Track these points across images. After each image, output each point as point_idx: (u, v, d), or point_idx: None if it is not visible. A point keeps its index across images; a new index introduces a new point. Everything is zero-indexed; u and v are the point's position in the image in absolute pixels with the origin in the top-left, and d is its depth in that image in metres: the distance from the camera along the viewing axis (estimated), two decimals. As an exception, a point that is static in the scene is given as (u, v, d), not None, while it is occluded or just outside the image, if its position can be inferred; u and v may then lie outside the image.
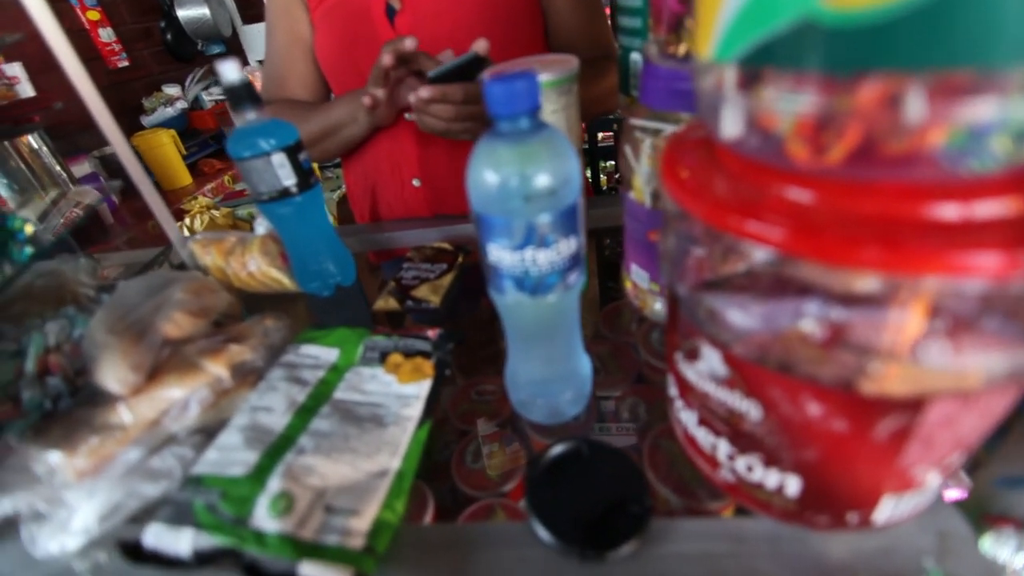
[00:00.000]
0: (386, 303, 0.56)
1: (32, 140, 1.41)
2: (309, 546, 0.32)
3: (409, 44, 0.62)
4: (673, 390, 0.35)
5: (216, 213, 1.78)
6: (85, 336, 0.49)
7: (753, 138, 0.22)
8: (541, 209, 0.32)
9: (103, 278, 0.70)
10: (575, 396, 0.41)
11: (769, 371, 0.25)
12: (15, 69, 1.93)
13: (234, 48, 3.12)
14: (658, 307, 0.47)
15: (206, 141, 2.72)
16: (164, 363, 0.45)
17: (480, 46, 0.61)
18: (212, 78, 2.90)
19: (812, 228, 0.20)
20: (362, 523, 0.33)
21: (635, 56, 0.51)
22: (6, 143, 1.32)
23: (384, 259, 0.85)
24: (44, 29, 0.59)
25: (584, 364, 0.42)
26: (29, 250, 0.56)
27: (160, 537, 0.34)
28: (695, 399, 0.31)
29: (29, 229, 0.56)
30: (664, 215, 0.31)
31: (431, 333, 0.47)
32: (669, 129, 0.41)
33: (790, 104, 0.19)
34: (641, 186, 0.43)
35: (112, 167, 2.01)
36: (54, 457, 0.41)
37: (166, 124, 2.53)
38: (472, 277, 0.62)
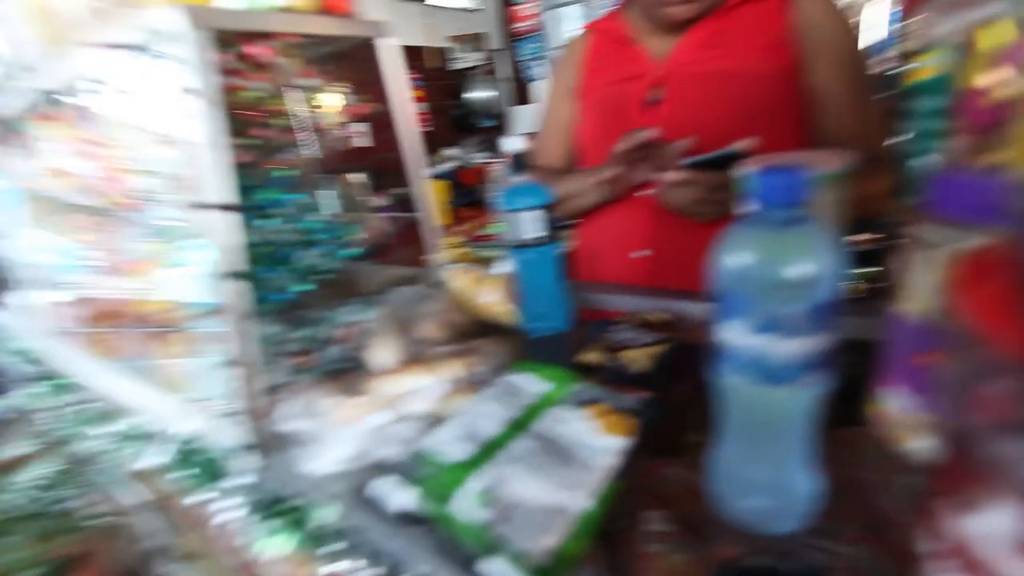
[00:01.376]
0: (593, 356, 0.60)
1: (360, 177, 1.94)
2: (498, 543, 0.35)
3: (647, 135, 0.68)
4: (931, 548, 0.29)
5: (462, 251, 2.15)
6: (365, 324, 0.65)
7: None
8: (791, 299, 0.32)
9: (382, 283, 0.91)
10: (784, 510, 0.37)
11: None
12: (361, 127, 2.69)
13: (502, 124, 3.78)
14: (918, 444, 0.40)
15: (467, 192, 3.32)
16: (415, 357, 0.57)
17: (743, 144, 0.63)
18: (482, 145, 3.56)
19: None
20: (548, 541, 0.36)
21: (925, 161, 0.46)
22: (345, 176, 1.83)
23: (595, 318, 0.90)
24: (400, 102, 0.83)
25: (804, 480, 0.38)
26: (356, 251, 0.77)
27: (382, 489, 0.42)
28: (968, 563, 0.26)
29: (360, 235, 0.77)
30: (950, 338, 0.27)
31: (641, 395, 0.48)
32: (965, 243, 0.36)
33: None
34: (916, 301, 0.38)
35: (402, 202, 2.58)
36: (329, 403, 0.54)
37: (441, 176, 3.19)
38: (681, 356, 0.61)
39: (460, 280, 0.82)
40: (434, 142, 3.47)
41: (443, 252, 1.00)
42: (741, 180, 0.44)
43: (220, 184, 0.54)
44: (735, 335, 0.34)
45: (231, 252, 0.54)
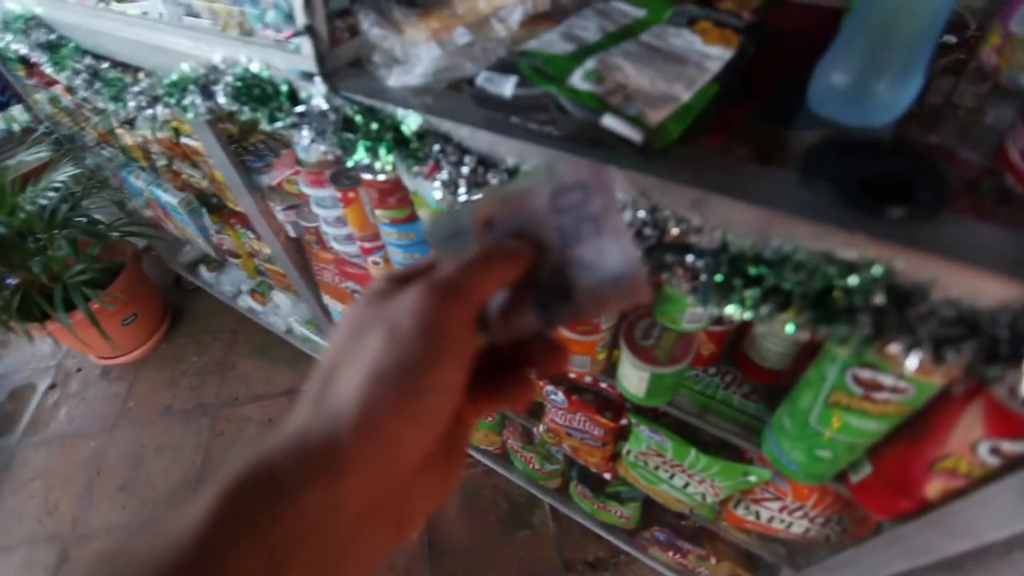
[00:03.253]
0: (690, 5, 0.55)
1: None
2: (613, 107, 0.37)
3: None
4: None
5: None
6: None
7: None
8: None
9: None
10: (888, 104, 0.39)
11: None
12: None
13: None
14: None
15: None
16: (499, -24, 0.51)
17: None
18: None
19: None
20: (655, 115, 0.37)
21: None
22: None
23: None
24: None
25: (916, 81, 0.38)
26: None
27: (490, 80, 0.42)
28: None
29: None
30: None
31: (746, 15, 0.46)
32: None
33: None
34: None
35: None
36: (410, 18, 0.50)
37: None
38: (780, 18, 0.57)
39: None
40: None
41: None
42: None
43: None
44: None
45: None
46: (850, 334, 0.34)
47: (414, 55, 0.50)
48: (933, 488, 0.46)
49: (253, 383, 1.63)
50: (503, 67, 0.42)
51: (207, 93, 0.64)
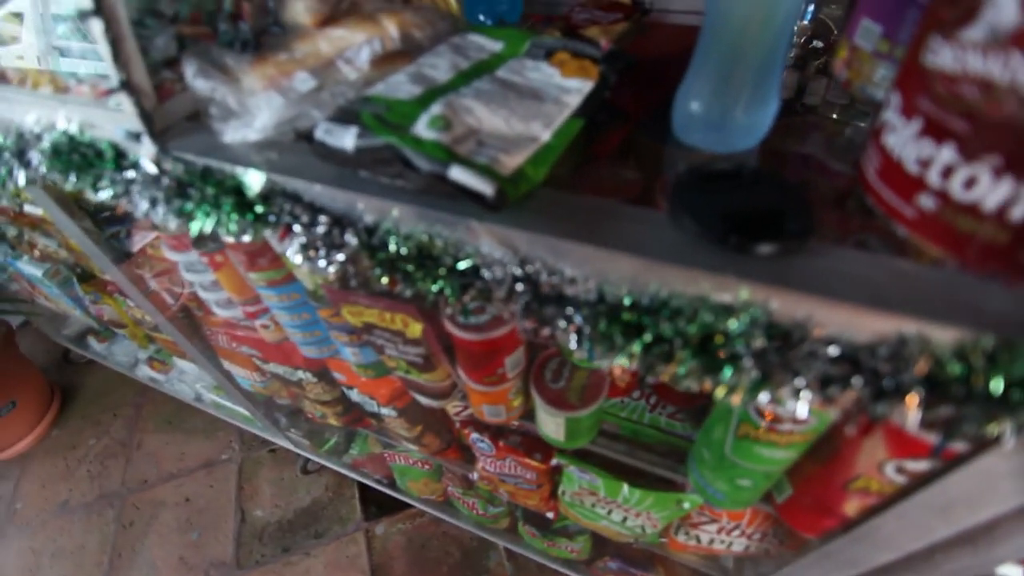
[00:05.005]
0: (550, 35, 0.53)
1: None
2: (461, 158, 0.33)
3: None
4: (891, 113, 0.30)
5: None
6: (274, -14, 0.52)
7: None
8: None
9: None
10: (749, 129, 0.37)
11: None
12: None
13: None
14: (880, 73, 0.39)
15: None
16: (344, 13, 0.47)
17: None
18: None
19: None
20: (511, 161, 0.34)
21: None
22: None
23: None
24: None
25: (771, 104, 0.37)
26: None
27: (329, 132, 0.37)
28: (935, 88, 0.26)
29: None
30: None
31: (604, 43, 0.43)
32: None
33: None
34: None
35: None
36: (244, 66, 0.45)
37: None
38: (645, 43, 0.56)
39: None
40: None
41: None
42: None
43: None
44: None
45: None
46: (736, 382, 0.31)
47: (253, 106, 0.44)
48: (851, 506, 0.45)
49: (164, 460, 1.46)
50: (343, 116, 0.38)
51: (24, 162, 0.55)
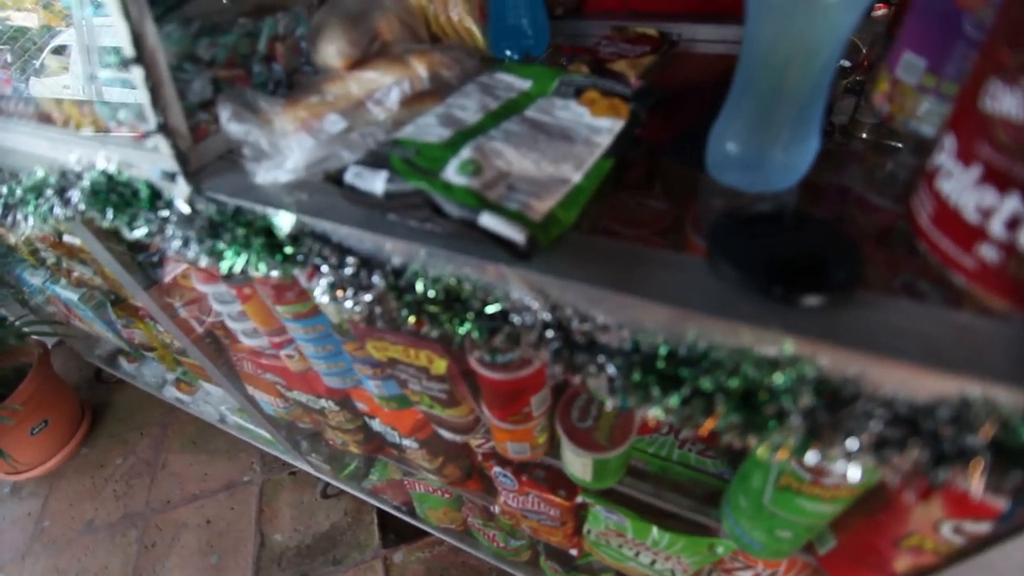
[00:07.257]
0: (577, 69, 0.53)
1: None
2: (491, 204, 0.32)
3: None
4: (945, 157, 0.28)
5: None
6: (310, 26, 0.53)
7: None
8: None
9: None
10: (788, 168, 0.36)
11: None
12: None
13: None
14: (925, 107, 0.38)
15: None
16: (374, 55, 0.47)
17: None
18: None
19: None
20: (541, 205, 0.33)
21: None
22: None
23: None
24: None
25: (812, 142, 0.36)
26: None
27: (359, 176, 0.37)
28: (997, 135, 0.24)
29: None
30: None
31: (634, 81, 0.43)
32: None
33: None
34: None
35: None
36: (276, 108, 0.45)
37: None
38: (672, 72, 0.55)
39: None
40: None
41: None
42: None
43: None
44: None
45: None
46: (782, 440, 0.29)
47: (284, 147, 0.44)
48: (902, 564, 0.42)
49: (188, 481, 1.48)
50: (374, 160, 0.38)
51: (64, 199, 0.56)
